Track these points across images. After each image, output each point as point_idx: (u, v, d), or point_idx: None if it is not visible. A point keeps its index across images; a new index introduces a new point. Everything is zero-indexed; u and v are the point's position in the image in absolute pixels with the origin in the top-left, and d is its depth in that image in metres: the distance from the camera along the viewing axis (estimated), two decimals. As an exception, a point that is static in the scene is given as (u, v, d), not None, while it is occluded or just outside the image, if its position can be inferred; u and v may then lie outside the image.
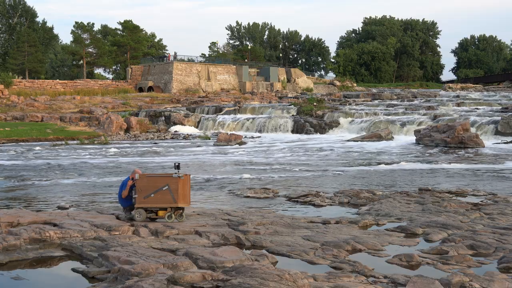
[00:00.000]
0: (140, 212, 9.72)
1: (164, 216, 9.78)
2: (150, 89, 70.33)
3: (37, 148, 31.10)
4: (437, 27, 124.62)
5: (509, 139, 30.72)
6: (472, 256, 7.82)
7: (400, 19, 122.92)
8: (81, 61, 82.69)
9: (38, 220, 9.51)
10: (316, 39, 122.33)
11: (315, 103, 47.48)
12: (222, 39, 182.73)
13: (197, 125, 45.82)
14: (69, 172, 19.80)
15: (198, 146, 32.42)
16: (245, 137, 36.54)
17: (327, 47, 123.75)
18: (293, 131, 40.90)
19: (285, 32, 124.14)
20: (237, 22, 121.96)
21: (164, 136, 39.57)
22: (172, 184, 9.63)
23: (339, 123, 40.22)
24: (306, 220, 10.39)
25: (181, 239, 8.59)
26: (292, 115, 44.26)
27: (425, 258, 7.70)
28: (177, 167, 9.84)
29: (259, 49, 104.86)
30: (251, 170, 19.99)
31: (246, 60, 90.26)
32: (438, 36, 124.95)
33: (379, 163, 21.96)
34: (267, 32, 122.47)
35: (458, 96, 58.12)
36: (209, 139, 37.06)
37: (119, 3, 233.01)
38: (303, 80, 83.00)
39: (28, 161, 24.11)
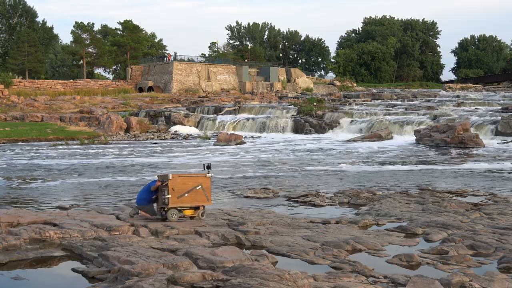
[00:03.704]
0: (174, 212, 9.75)
1: (196, 215, 9.96)
2: (150, 89, 70.33)
3: (37, 148, 31.10)
4: (437, 27, 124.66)
5: (509, 139, 30.72)
6: (472, 256, 7.82)
7: (400, 19, 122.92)
8: (81, 61, 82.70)
9: (38, 220, 9.50)
10: (316, 39, 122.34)
11: (315, 103, 47.47)
12: (222, 39, 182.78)
13: (197, 125, 45.81)
14: (69, 172, 19.80)
15: (198, 146, 32.43)
16: (245, 137, 36.54)
17: (327, 47, 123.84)
18: (293, 131, 40.89)
19: (285, 32, 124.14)
20: (237, 22, 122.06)
21: (164, 136, 39.57)
22: (204, 183, 9.89)
23: (339, 123, 40.21)
24: (306, 220, 10.39)
25: (181, 239, 8.59)
26: (292, 115, 44.26)
27: (425, 258, 7.70)
28: (208, 167, 10.08)
29: (259, 49, 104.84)
30: (251, 170, 20.00)
31: (246, 60, 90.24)
32: (438, 36, 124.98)
33: (379, 163, 21.96)
34: (267, 32, 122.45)
35: (458, 96, 58.11)
36: (209, 139, 37.06)
37: (119, 3, 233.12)
38: (303, 80, 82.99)
39: (28, 161, 24.11)
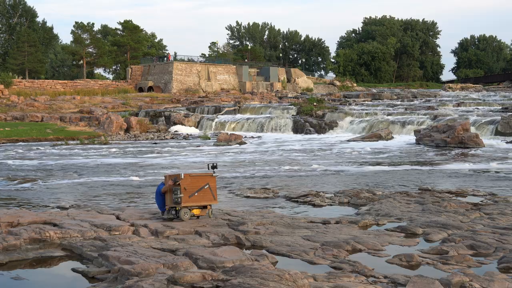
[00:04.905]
0: (186, 211, 9.90)
1: (204, 214, 10.15)
2: (150, 89, 70.34)
3: (37, 148, 31.09)
4: (437, 27, 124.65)
5: (509, 139, 30.71)
6: (472, 256, 7.81)
7: (400, 19, 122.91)
8: (81, 61, 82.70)
9: (38, 220, 9.50)
10: (316, 39, 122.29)
11: (315, 103, 47.50)
12: (222, 39, 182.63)
13: (197, 125, 45.82)
14: (68, 172, 19.80)
15: (198, 146, 32.42)
16: (245, 137, 36.54)
17: (327, 47, 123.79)
18: (293, 131, 40.91)
19: (285, 32, 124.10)
20: (237, 22, 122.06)
21: (164, 136, 39.57)
22: (211, 183, 10.17)
23: (339, 123, 40.22)
24: (306, 220, 10.38)
25: (181, 239, 8.59)
26: (292, 115, 44.26)
27: (425, 258, 7.70)
28: (213, 167, 10.37)
29: (259, 49, 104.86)
30: (251, 170, 19.99)
31: (246, 60, 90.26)
32: (438, 36, 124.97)
33: (379, 163, 21.96)
34: (267, 32, 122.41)
35: (458, 96, 58.12)
36: (209, 139, 37.06)
37: (119, 3, 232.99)
38: (303, 80, 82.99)
39: (28, 161, 24.11)
